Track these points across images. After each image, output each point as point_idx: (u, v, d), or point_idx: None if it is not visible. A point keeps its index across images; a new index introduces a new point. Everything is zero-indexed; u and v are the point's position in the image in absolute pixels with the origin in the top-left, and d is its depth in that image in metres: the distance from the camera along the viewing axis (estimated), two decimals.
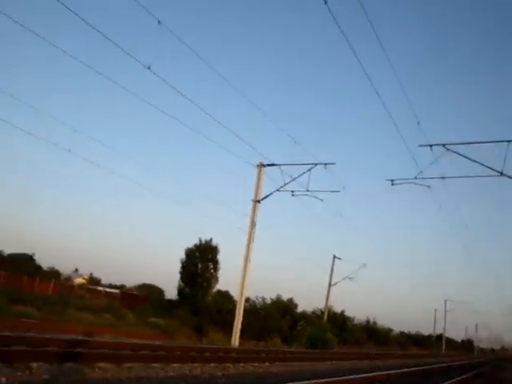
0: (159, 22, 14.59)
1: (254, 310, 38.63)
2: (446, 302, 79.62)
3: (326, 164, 25.27)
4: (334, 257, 51.64)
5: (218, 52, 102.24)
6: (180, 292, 36.88)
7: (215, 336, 27.93)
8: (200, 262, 37.56)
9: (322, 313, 49.24)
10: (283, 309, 43.89)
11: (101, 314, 27.05)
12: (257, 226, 26.41)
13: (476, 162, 20.71)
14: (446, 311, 79.98)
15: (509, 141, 19.84)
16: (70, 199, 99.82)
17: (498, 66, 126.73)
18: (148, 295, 41.43)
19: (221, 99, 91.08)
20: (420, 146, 21.44)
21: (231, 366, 14.47)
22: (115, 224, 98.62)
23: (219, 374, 12.52)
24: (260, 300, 42.06)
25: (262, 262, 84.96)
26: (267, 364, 17.18)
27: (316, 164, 25.42)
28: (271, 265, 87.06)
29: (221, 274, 38.39)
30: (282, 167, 26.46)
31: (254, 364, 16.08)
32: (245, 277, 25.59)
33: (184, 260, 37.36)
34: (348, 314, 58.74)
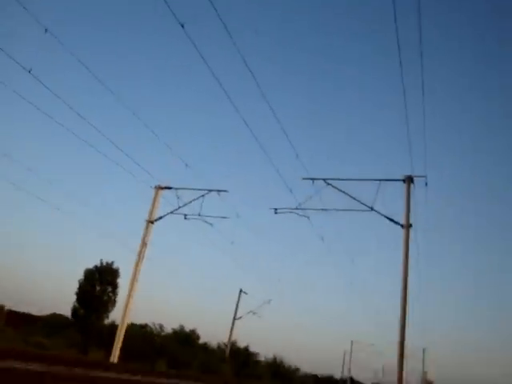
0: None
1: (148, 336, 38.30)
2: (352, 342, 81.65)
3: (219, 191, 26.41)
4: (241, 291, 52.32)
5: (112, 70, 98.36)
6: (74, 312, 35.90)
7: (95, 355, 27.50)
8: (99, 284, 36.99)
9: (226, 346, 49.38)
10: (184, 339, 43.72)
11: None
12: (148, 247, 26.84)
13: (352, 197, 22.70)
14: (351, 352, 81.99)
15: (380, 179, 22.11)
16: None
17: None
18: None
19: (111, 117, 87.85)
20: (303, 178, 23.21)
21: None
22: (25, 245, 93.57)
23: None
24: (157, 327, 41.71)
25: (166, 290, 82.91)
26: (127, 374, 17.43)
27: (210, 190, 26.47)
28: (176, 294, 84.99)
29: (120, 298, 37.84)
30: (178, 191, 27.33)
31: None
32: (130, 296, 25.66)
33: (82, 281, 36.60)
34: (255, 350, 58.93)
